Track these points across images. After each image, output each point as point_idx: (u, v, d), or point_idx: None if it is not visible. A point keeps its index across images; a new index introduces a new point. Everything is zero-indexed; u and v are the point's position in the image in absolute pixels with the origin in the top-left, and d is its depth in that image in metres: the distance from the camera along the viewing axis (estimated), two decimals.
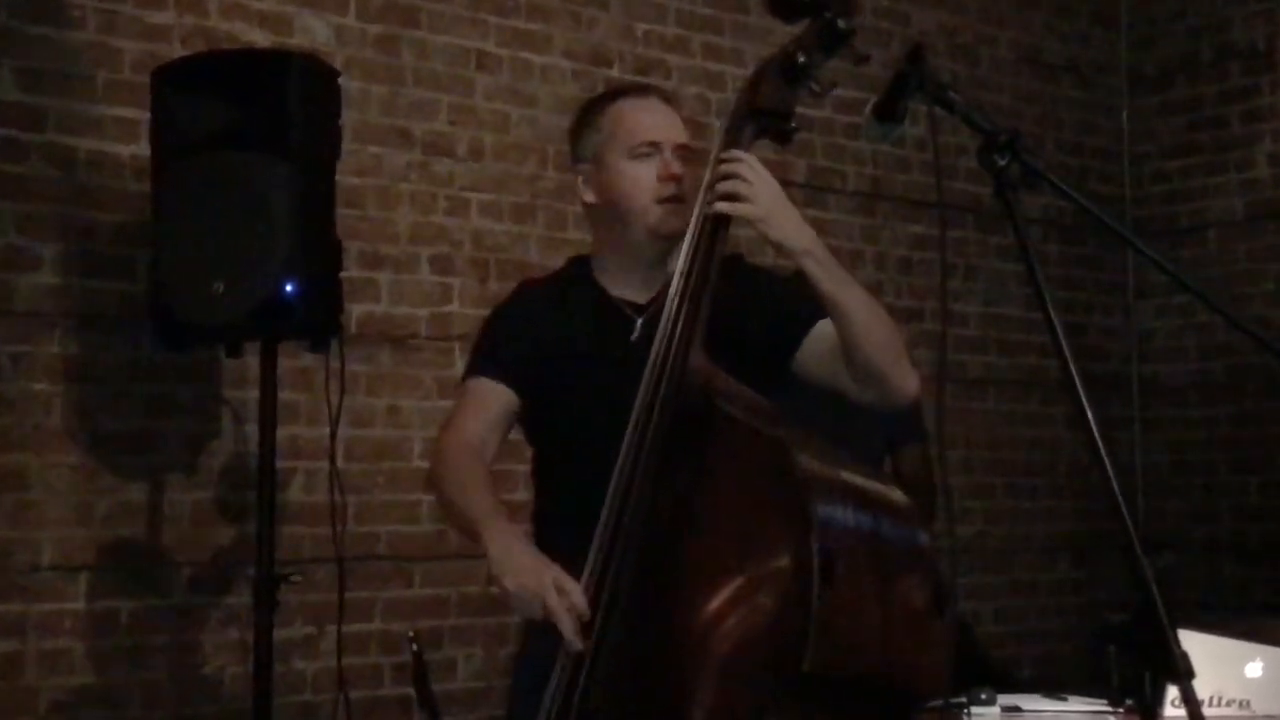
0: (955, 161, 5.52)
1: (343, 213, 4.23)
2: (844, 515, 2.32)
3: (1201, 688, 1.97)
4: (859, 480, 2.43)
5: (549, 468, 2.83)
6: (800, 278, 2.66)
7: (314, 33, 4.80)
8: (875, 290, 6.02)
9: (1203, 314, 6.63)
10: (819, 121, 5.96)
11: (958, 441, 6.27)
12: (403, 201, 4.96)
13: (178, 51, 4.42)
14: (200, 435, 4.53)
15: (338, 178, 4.10)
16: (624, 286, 2.79)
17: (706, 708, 2.32)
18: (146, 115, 4.13)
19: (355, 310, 4.71)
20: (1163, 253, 2.34)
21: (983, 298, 6.45)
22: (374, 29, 4.94)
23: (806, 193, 5.97)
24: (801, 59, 2.58)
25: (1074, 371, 2.05)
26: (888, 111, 2.41)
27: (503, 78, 5.20)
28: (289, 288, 3.81)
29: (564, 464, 2.78)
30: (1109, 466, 2.02)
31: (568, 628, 2.37)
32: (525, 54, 5.25)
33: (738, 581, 2.32)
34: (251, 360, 4.16)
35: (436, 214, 5.02)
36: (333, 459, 4.17)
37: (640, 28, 5.55)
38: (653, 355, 2.51)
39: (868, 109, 2.44)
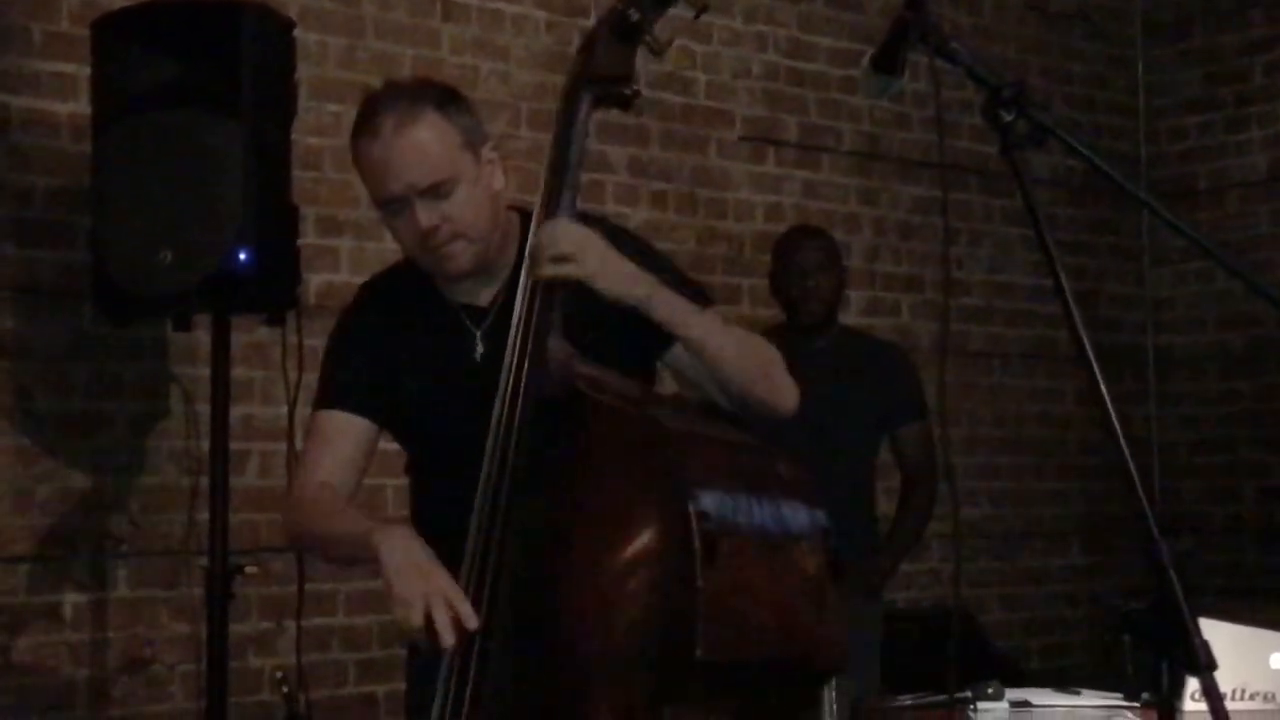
0: (958, 118, 5.53)
1: (299, 175, 4.22)
2: (724, 492, 2.34)
3: (1224, 680, 1.98)
4: (739, 454, 2.47)
5: (418, 469, 2.88)
6: (674, 267, 2.70)
7: None
8: (873, 257, 6.05)
9: (1222, 281, 6.65)
10: (812, 76, 5.96)
11: (961, 419, 6.28)
12: None
13: (120, 2, 4.39)
14: (147, 416, 4.53)
15: (293, 137, 4.09)
16: (459, 290, 2.77)
17: (602, 703, 2.34)
18: (86, 70, 4.13)
19: (313, 280, 4.70)
20: (1180, 215, 2.35)
21: (987, 264, 6.46)
22: None
23: (798, 153, 5.97)
24: (634, 15, 2.58)
25: (1086, 343, 2.05)
26: (886, 64, 2.41)
27: (471, 29, 5.18)
28: (242, 256, 3.80)
29: (431, 470, 2.82)
30: (1123, 444, 2.02)
31: (445, 628, 2.37)
32: (495, 3, 5.24)
33: (620, 570, 2.35)
34: (202, 335, 4.16)
35: None
36: (290, 440, 4.16)
37: None
38: (509, 347, 2.53)
39: (865, 61, 2.44)
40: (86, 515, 4.41)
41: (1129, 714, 3.64)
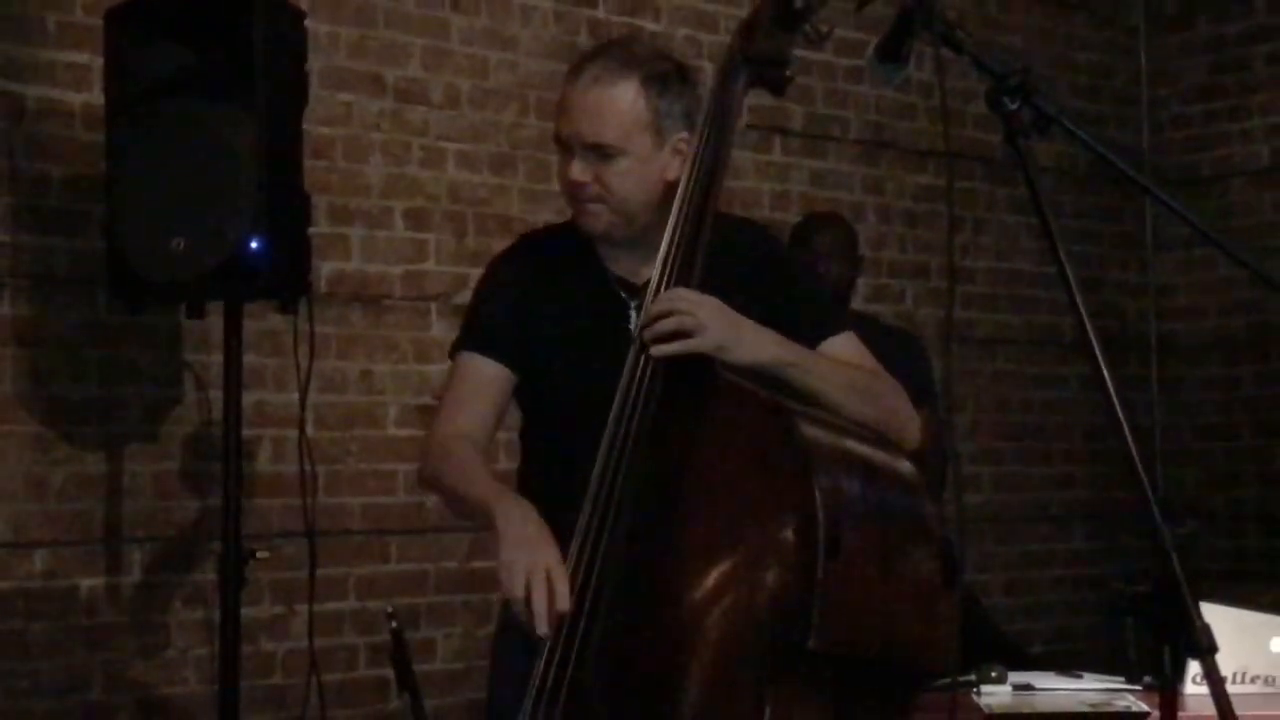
0: (963, 107, 5.53)
1: (310, 164, 4.22)
2: (849, 485, 2.33)
3: (1224, 663, 1.98)
4: (865, 449, 2.44)
5: (538, 436, 2.84)
6: (817, 278, 2.68)
7: None
8: (879, 244, 6.04)
9: (1225, 268, 6.64)
10: (818, 65, 5.95)
11: (966, 404, 6.28)
12: (374, 152, 4.95)
13: None
14: (161, 402, 4.53)
15: (305, 127, 4.09)
16: (619, 263, 2.77)
17: (704, 687, 2.33)
18: (100, 60, 4.12)
19: (325, 268, 4.70)
20: (1183, 203, 2.34)
21: (992, 252, 6.46)
22: None
23: (804, 142, 5.97)
24: (799, 3, 2.56)
25: (1090, 330, 2.05)
26: (892, 52, 2.41)
27: (480, 19, 5.18)
28: (254, 245, 3.80)
29: (553, 435, 2.78)
30: (1126, 430, 2.02)
31: (540, 618, 2.37)
32: None
33: (738, 553, 2.33)
34: (215, 322, 4.16)
35: (410, 165, 5.01)
36: (302, 426, 4.17)
37: None
38: (644, 313, 2.52)
39: (870, 50, 2.44)
40: (102, 501, 4.42)
41: (1131, 697, 3.64)
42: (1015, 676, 3.82)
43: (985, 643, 5.08)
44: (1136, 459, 2.02)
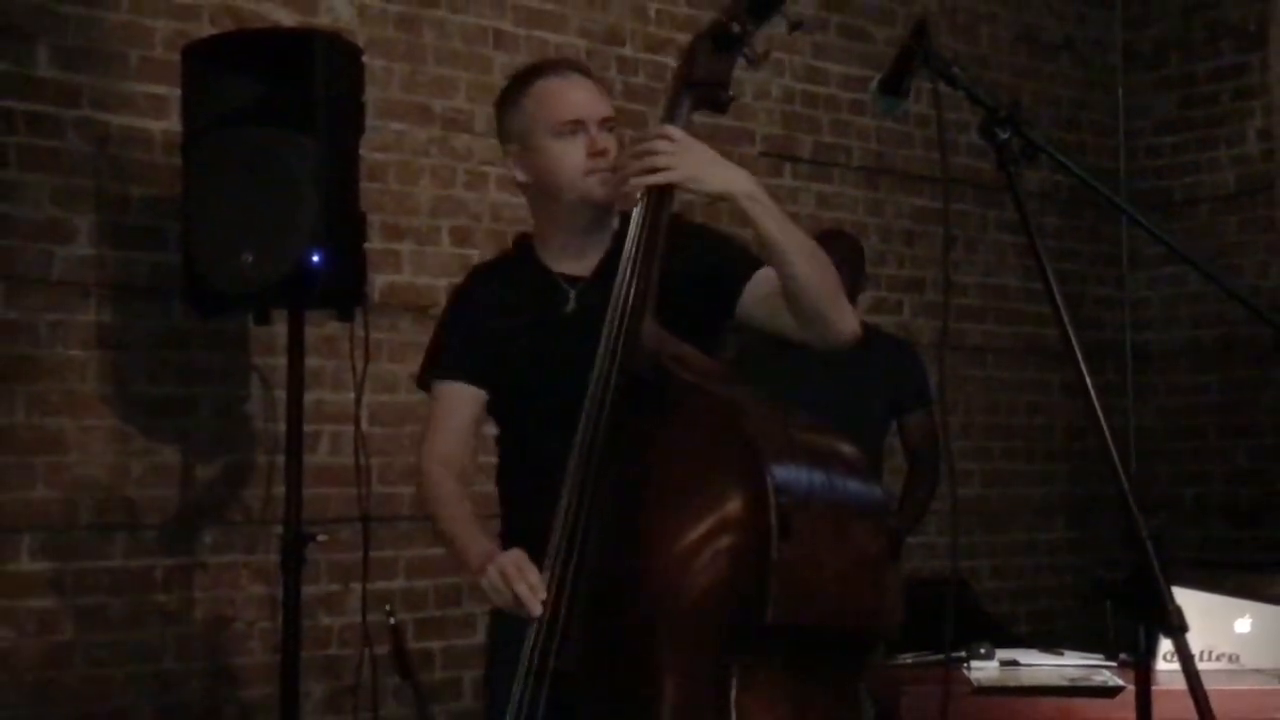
0: (957, 136, 5.51)
1: (366, 186, 4.23)
2: (798, 471, 2.32)
3: (1193, 642, 1.97)
4: (810, 435, 2.43)
5: (509, 437, 2.86)
6: (732, 236, 2.71)
7: (338, 12, 4.79)
8: (879, 261, 6.03)
9: (1194, 283, 6.62)
10: (825, 99, 5.95)
11: (958, 406, 6.27)
12: (423, 175, 4.95)
13: (207, 30, 4.41)
14: (230, 400, 4.54)
15: (361, 152, 4.09)
16: (561, 260, 2.79)
17: (675, 657, 2.32)
18: (177, 92, 4.13)
19: (378, 280, 4.71)
20: (1156, 224, 2.33)
21: (983, 268, 6.44)
22: (395, 8, 4.92)
23: (812, 168, 5.96)
24: (735, 28, 2.57)
25: (1072, 339, 2.04)
26: (893, 86, 2.41)
27: (520, 56, 5.17)
28: (315, 258, 3.81)
29: (520, 433, 2.80)
30: (1105, 430, 2.02)
31: (528, 600, 2.41)
32: (541, 33, 5.24)
33: (699, 540, 2.32)
34: (279, 328, 4.17)
35: (456, 187, 5.02)
36: (357, 423, 4.18)
37: (653, 7, 5.54)
38: (606, 327, 2.52)
39: (873, 84, 2.44)
40: (176, 489, 4.43)
41: (1108, 672, 3.62)
42: (1002, 653, 3.81)
43: (975, 623, 5.07)
44: (1114, 456, 2.01)
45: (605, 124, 2.73)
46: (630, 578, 2.38)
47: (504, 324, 2.77)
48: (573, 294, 2.73)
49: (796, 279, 2.60)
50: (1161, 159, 6.89)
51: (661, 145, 2.56)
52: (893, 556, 2.41)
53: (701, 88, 2.62)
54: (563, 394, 2.51)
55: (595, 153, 2.70)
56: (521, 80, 2.82)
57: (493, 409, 2.84)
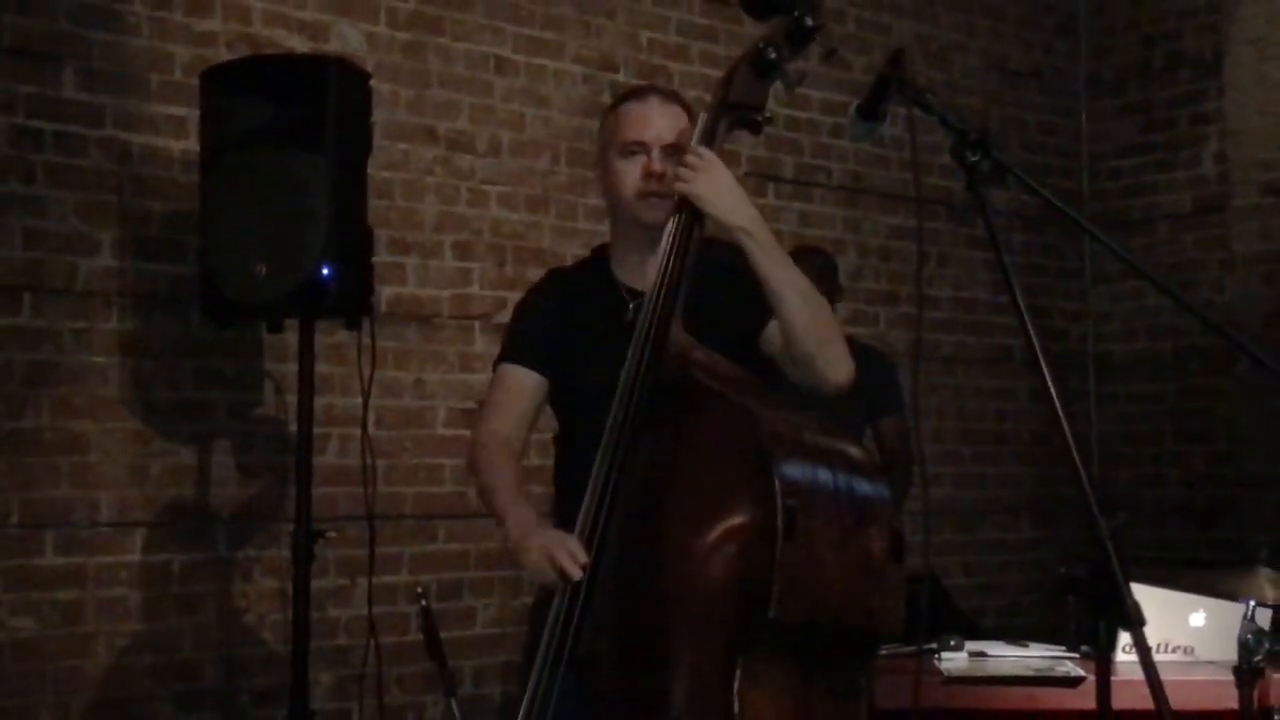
0: (930, 158, 5.49)
1: (374, 203, 4.23)
2: (805, 473, 2.32)
3: (1150, 635, 1.98)
4: (820, 439, 2.44)
5: (564, 432, 2.86)
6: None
7: (348, 39, 4.80)
8: (856, 276, 6.05)
9: (1152, 298, 6.64)
10: (806, 123, 5.96)
11: (930, 413, 6.26)
12: (428, 193, 4.95)
13: (224, 56, 4.42)
14: (244, 404, 4.54)
15: (369, 171, 4.10)
16: (627, 272, 2.81)
17: (685, 648, 2.33)
18: (195, 113, 4.14)
19: (385, 291, 4.71)
20: (1117, 242, 2.34)
21: (954, 283, 6.44)
22: (402, 36, 4.93)
23: (794, 187, 5.97)
24: (771, 54, 2.57)
25: (1038, 350, 2.05)
26: (870, 111, 2.42)
27: (519, 81, 5.19)
28: (325, 271, 3.81)
29: (573, 429, 2.81)
30: (1068, 435, 2.02)
31: (568, 566, 2.41)
32: (540, 59, 5.24)
33: (711, 535, 2.33)
34: (291, 336, 4.17)
35: (458, 205, 5.02)
36: (364, 426, 4.17)
37: (644, 36, 5.54)
38: (637, 332, 2.53)
39: (852, 109, 2.45)
40: (192, 488, 4.43)
41: (1070, 663, 3.63)
42: (971, 645, 3.82)
43: (945, 617, 5.08)
44: (1077, 460, 2.02)
45: (668, 149, 2.71)
46: (647, 570, 2.39)
47: (569, 324, 2.80)
48: (631, 306, 2.73)
49: (791, 322, 2.61)
50: (1122, 180, 6.91)
51: (690, 160, 2.58)
52: (896, 558, 2.40)
53: (738, 110, 2.63)
54: (611, 397, 2.52)
55: (647, 174, 2.70)
56: (612, 103, 2.86)
57: (553, 403, 2.86)
